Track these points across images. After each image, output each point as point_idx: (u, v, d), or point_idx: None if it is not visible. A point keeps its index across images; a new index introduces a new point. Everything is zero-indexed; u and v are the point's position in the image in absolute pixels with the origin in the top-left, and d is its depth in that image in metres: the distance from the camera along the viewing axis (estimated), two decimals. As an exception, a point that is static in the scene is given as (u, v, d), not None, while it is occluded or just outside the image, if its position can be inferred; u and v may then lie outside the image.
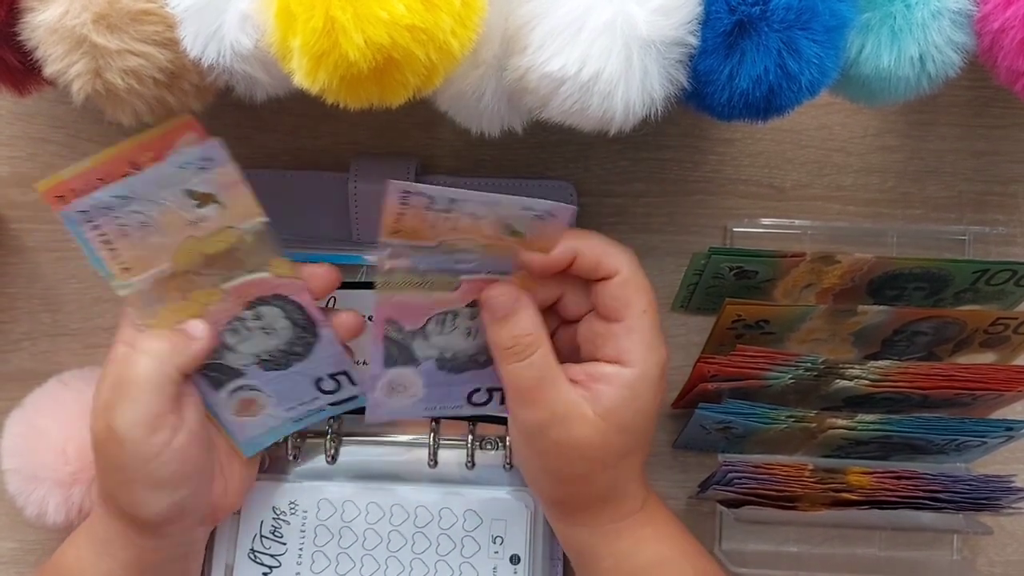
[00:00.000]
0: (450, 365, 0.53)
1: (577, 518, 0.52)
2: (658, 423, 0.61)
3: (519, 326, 0.49)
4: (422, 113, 0.56)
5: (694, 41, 0.44)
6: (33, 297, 0.61)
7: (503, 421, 0.57)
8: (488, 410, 0.54)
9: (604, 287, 0.49)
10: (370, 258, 0.58)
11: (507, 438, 0.59)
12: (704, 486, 0.58)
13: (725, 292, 0.57)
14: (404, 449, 0.60)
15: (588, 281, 0.50)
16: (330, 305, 0.57)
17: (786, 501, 0.56)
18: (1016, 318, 0.56)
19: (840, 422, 0.55)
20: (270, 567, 0.58)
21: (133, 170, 0.46)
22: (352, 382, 0.55)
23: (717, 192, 0.61)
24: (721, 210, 0.61)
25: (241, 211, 0.49)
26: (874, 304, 0.57)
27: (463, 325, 0.51)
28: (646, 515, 0.51)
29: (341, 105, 0.43)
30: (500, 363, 0.50)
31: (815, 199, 0.61)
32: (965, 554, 0.62)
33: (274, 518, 0.59)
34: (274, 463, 0.59)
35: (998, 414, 0.59)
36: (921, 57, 0.46)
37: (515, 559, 0.59)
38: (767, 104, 0.45)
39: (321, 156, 0.60)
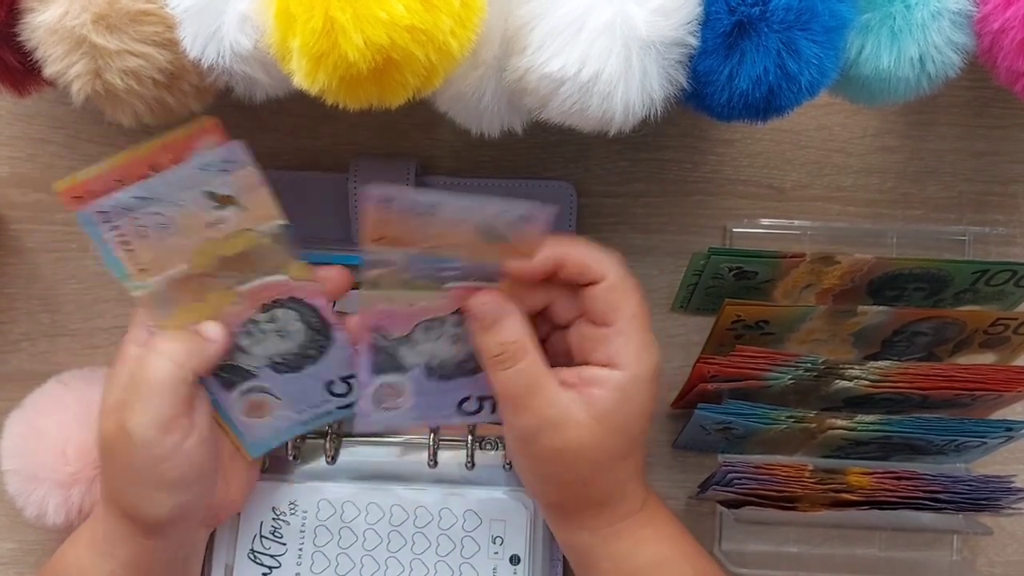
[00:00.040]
0: (439, 373, 0.53)
1: (575, 521, 0.52)
2: (658, 423, 0.61)
3: (505, 333, 0.49)
4: (422, 114, 0.56)
5: (694, 41, 0.44)
6: (32, 298, 0.61)
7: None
8: (479, 419, 0.54)
9: (592, 292, 0.49)
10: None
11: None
12: (704, 486, 0.58)
13: (725, 292, 0.57)
14: (404, 449, 0.60)
15: (576, 286, 0.50)
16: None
17: (786, 501, 0.56)
18: (1016, 319, 0.56)
19: (840, 422, 0.55)
20: (270, 567, 0.58)
21: (152, 172, 0.46)
22: None
23: (717, 192, 0.61)
24: (721, 210, 0.61)
25: (260, 213, 0.48)
26: (874, 305, 0.57)
27: (450, 332, 0.52)
28: (646, 516, 0.51)
29: (341, 106, 0.43)
30: (489, 371, 0.50)
31: (815, 200, 0.61)
32: (965, 554, 0.62)
33: (274, 518, 0.59)
34: (274, 463, 0.59)
35: (998, 414, 0.59)
36: (921, 58, 0.46)
37: (515, 559, 0.59)
38: (767, 105, 0.45)
39: (321, 156, 0.60)
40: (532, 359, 0.49)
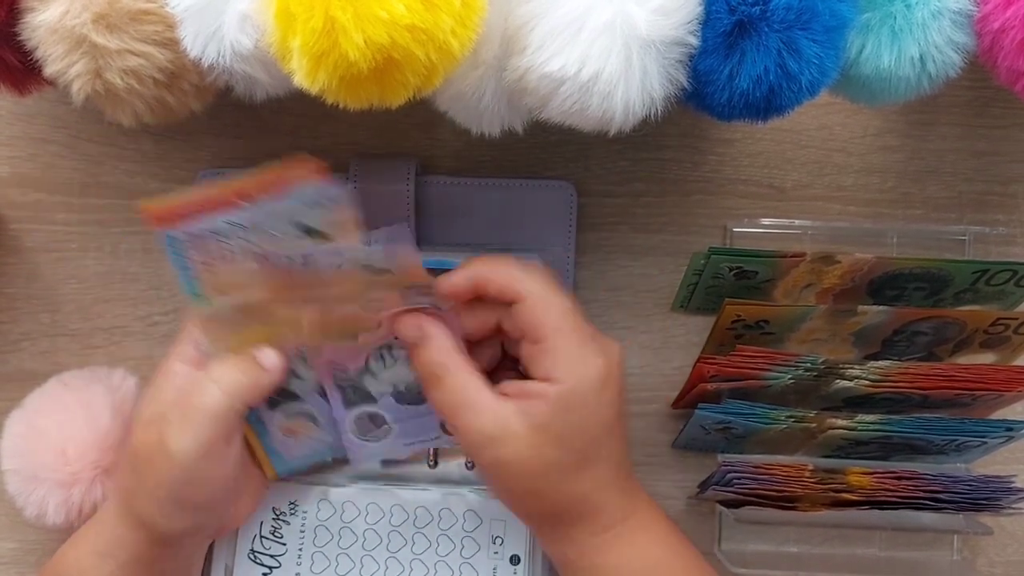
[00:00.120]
0: (408, 397, 0.53)
1: (551, 533, 0.52)
2: (658, 423, 0.62)
3: (426, 354, 0.50)
4: (422, 113, 0.56)
5: (694, 41, 0.44)
6: (32, 297, 0.61)
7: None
8: None
9: (515, 311, 0.49)
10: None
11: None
12: (704, 486, 0.58)
13: (725, 292, 0.57)
14: (404, 449, 0.60)
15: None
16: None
17: (786, 501, 0.56)
18: (1016, 318, 0.56)
19: (840, 422, 0.55)
20: (270, 567, 0.58)
21: (240, 202, 0.46)
22: None
23: (717, 192, 0.61)
24: (721, 210, 0.61)
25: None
26: (874, 304, 0.57)
27: (402, 356, 0.52)
28: (629, 530, 0.50)
29: (341, 105, 0.43)
30: (424, 390, 0.51)
31: (815, 199, 0.61)
32: (965, 554, 0.62)
33: (274, 518, 0.59)
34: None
35: (998, 414, 0.59)
36: (921, 57, 0.46)
37: (515, 559, 0.59)
38: (767, 104, 0.45)
39: (321, 156, 0.60)
40: (457, 378, 0.49)
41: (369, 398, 0.54)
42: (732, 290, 0.57)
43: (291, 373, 0.53)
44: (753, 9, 0.43)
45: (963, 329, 0.57)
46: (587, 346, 0.49)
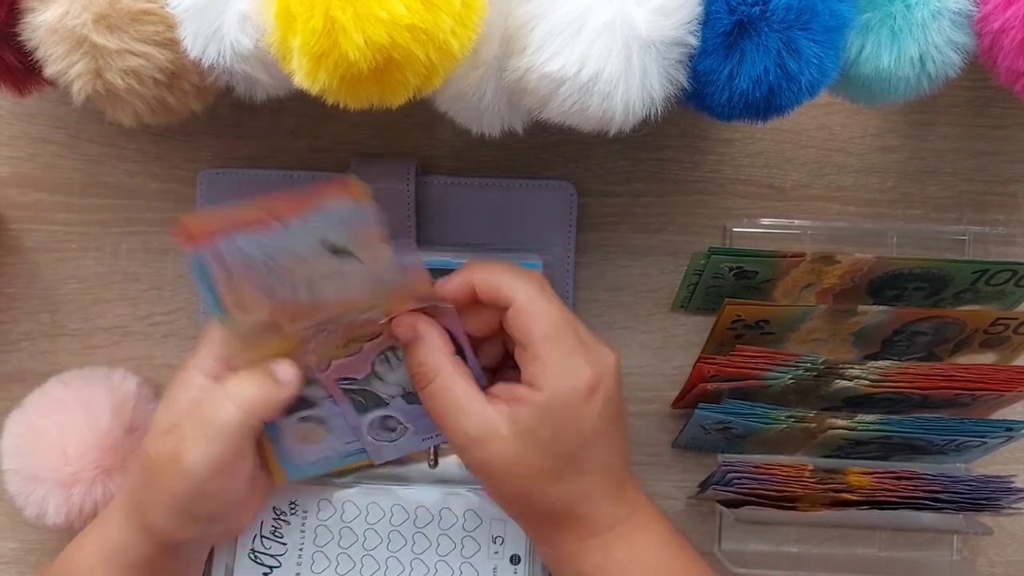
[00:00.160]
0: (416, 397, 0.53)
1: (538, 534, 0.52)
2: (658, 423, 0.62)
3: (417, 355, 0.50)
4: (422, 113, 0.56)
5: (694, 41, 0.44)
6: (32, 297, 0.61)
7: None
8: None
9: (506, 317, 0.49)
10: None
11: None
12: (704, 486, 0.58)
13: (725, 292, 0.57)
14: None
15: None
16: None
17: (786, 501, 0.56)
18: (1016, 318, 0.56)
19: (840, 422, 0.55)
20: (270, 567, 0.58)
21: (273, 221, 0.46)
22: None
23: (717, 192, 0.61)
24: (721, 210, 0.61)
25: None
26: (874, 304, 0.57)
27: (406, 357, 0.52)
28: (617, 537, 0.50)
29: (341, 105, 0.43)
30: (415, 389, 0.51)
31: (815, 199, 0.61)
32: (965, 554, 0.62)
33: (274, 518, 0.59)
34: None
35: (998, 414, 0.59)
36: (921, 57, 0.46)
37: (515, 559, 0.59)
38: (767, 104, 0.45)
39: (321, 156, 0.60)
40: (445, 379, 0.49)
41: (380, 402, 0.54)
42: (732, 290, 0.57)
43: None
44: (753, 9, 0.43)
45: (963, 329, 0.57)
46: (576, 355, 0.48)
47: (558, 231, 0.59)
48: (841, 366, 0.54)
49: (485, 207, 0.59)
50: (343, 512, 0.59)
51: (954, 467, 0.60)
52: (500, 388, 0.50)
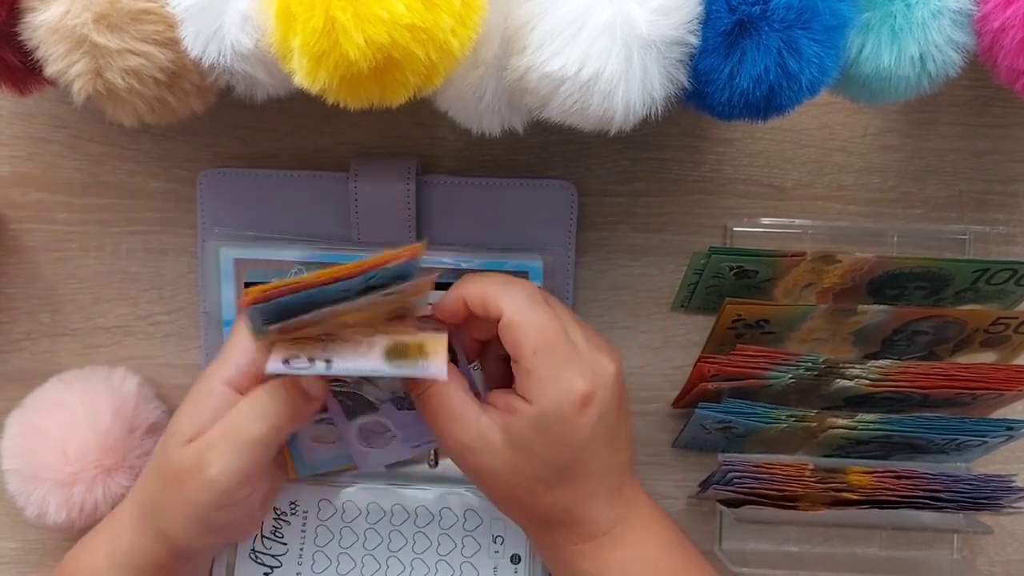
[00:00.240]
0: (407, 403, 0.53)
1: (535, 536, 0.52)
2: (658, 423, 0.62)
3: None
4: (422, 113, 0.56)
5: (694, 40, 0.44)
6: (32, 297, 0.61)
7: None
8: None
9: (499, 329, 0.49)
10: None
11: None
12: (704, 486, 0.59)
13: (725, 292, 0.57)
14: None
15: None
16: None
17: (786, 501, 0.56)
18: (1016, 318, 0.56)
19: (840, 422, 0.55)
20: (271, 567, 0.59)
21: (335, 282, 0.46)
22: None
23: (717, 192, 0.61)
24: (721, 210, 0.61)
25: (415, 292, 0.49)
26: (874, 303, 0.57)
27: None
28: (616, 537, 0.50)
29: (341, 105, 0.43)
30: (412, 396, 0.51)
31: (815, 198, 0.61)
32: (965, 553, 0.62)
33: (275, 518, 0.59)
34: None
35: (998, 414, 0.59)
36: (921, 56, 0.46)
37: (515, 558, 0.59)
38: (767, 103, 0.45)
39: (321, 156, 0.60)
40: (439, 388, 0.49)
41: (370, 407, 0.54)
42: (732, 289, 0.57)
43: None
44: (753, 8, 0.43)
45: (963, 328, 0.57)
46: (569, 366, 0.48)
47: (558, 231, 0.59)
48: (841, 365, 0.54)
49: (485, 207, 0.59)
50: (344, 512, 0.59)
51: (954, 466, 0.60)
52: (496, 395, 0.50)
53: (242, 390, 0.50)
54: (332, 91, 0.42)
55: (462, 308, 0.50)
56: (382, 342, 0.48)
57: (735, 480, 0.55)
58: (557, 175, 0.61)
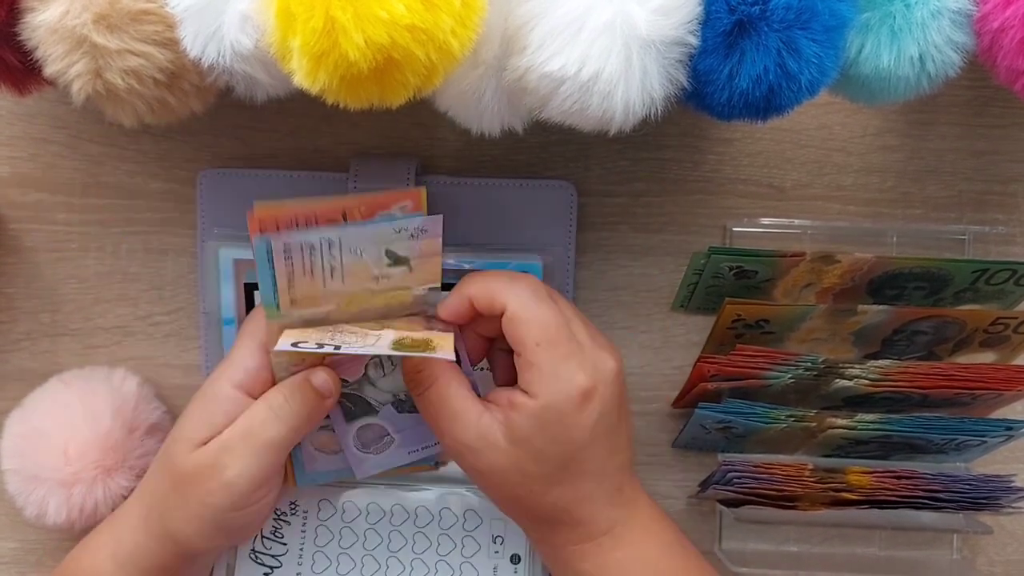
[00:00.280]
0: (408, 405, 0.53)
1: (535, 535, 0.52)
2: (658, 423, 0.62)
3: (414, 362, 0.50)
4: (422, 113, 0.56)
5: (694, 41, 0.44)
6: (32, 297, 0.61)
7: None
8: None
9: (502, 324, 0.49)
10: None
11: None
12: (704, 486, 0.59)
13: (725, 292, 0.57)
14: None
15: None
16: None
17: (786, 501, 0.56)
18: (1016, 318, 0.56)
19: (840, 422, 0.55)
20: (271, 567, 0.59)
21: (342, 219, 0.47)
22: None
23: (717, 192, 0.61)
24: (721, 210, 0.61)
25: (424, 277, 0.50)
26: (874, 304, 0.57)
27: (401, 363, 0.52)
28: (616, 537, 0.50)
29: (341, 105, 0.43)
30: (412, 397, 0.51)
31: (815, 199, 0.61)
32: (965, 553, 0.62)
33: (275, 519, 0.59)
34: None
35: (998, 414, 0.59)
36: (921, 57, 0.46)
37: (515, 559, 0.59)
38: (767, 104, 0.45)
39: (321, 156, 0.60)
40: (442, 386, 0.50)
41: (369, 409, 0.54)
42: (732, 290, 0.57)
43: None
44: (753, 9, 0.43)
45: (963, 328, 0.57)
46: (570, 361, 0.48)
47: (558, 231, 0.59)
48: (841, 365, 0.54)
49: (485, 207, 0.59)
50: (344, 512, 0.59)
51: (954, 466, 0.60)
52: (498, 393, 0.50)
53: (251, 393, 0.50)
54: (332, 91, 0.42)
55: (468, 307, 0.50)
56: (390, 335, 0.49)
57: (735, 480, 0.55)
58: (557, 175, 0.61)
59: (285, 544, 0.59)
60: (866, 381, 0.54)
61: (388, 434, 0.55)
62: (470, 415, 0.49)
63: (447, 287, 0.52)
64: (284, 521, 0.59)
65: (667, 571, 0.51)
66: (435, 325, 0.51)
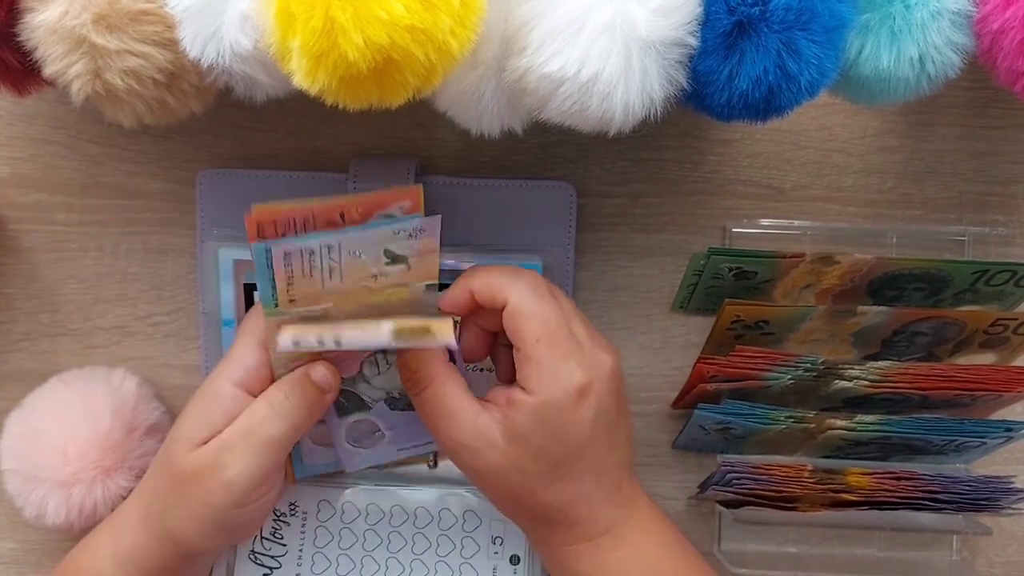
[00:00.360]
0: (401, 403, 0.53)
1: (533, 535, 0.52)
2: (658, 423, 0.62)
3: (411, 362, 0.50)
4: (422, 113, 0.56)
5: (694, 42, 0.44)
6: (32, 297, 0.61)
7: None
8: None
9: (503, 318, 0.49)
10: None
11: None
12: (703, 487, 0.59)
13: (724, 292, 0.57)
14: (404, 450, 0.60)
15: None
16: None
17: (785, 502, 0.56)
18: (1016, 319, 0.56)
19: (839, 423, 0.55)
20: (271, 568, 0.59)
21: (341, 219, 0.47)
22: None
23: (716, 192, 0.61)
24: (720, 210, 0.61)
25: (422, 274, 0.49)
26: (874, 305, 0.57)
27: (396, 361, 0.52)
28: (615, 537, 0.50)
29: (341, 106, 0.43)
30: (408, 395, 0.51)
31: (815, 200, 0.61)
32: (964, 555, 0.62)
33: (274, 519, 0.59)
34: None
35: (997, 415, 0.59)
36: (920, 58, 0.46)
37: (515, 559, 0.59)
38: (766, 105, 0.45)
39: (321, 156, 0.60)
40: (438, 386, 0.49)
41: (362, 405, 0.54)
42: (732, 290, 0.57)
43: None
44: (752, 10, 0.43)
45: (963, 329, 0.57)
46: (569, 358, 0.48)
47: (558, 231, 0.59)
48: (841, 366, 0.54)
49: (485, 207, 0.59)
50: (343, 513, 0.59)
51: (954, 467, 0.60)
52: (496, 392, 0.50)
53: (251, 391, 0.50)
54: (331, 92, 0.42)
55: (468, 299, 0.50)
56: (389, 325, 0.49)
57: (734, 481, 0.55)
58: (556, 176, 0.61)
59: (284, 545, 0.59)
60: (866, 382, 0.54)
61: (379, 430, 0.55)
62: (466, 414, 0.49)
63: (445, 287, 0.52)
64: (283, 522, 0.59)
65: (667, 572, 0.51)
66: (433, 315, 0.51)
